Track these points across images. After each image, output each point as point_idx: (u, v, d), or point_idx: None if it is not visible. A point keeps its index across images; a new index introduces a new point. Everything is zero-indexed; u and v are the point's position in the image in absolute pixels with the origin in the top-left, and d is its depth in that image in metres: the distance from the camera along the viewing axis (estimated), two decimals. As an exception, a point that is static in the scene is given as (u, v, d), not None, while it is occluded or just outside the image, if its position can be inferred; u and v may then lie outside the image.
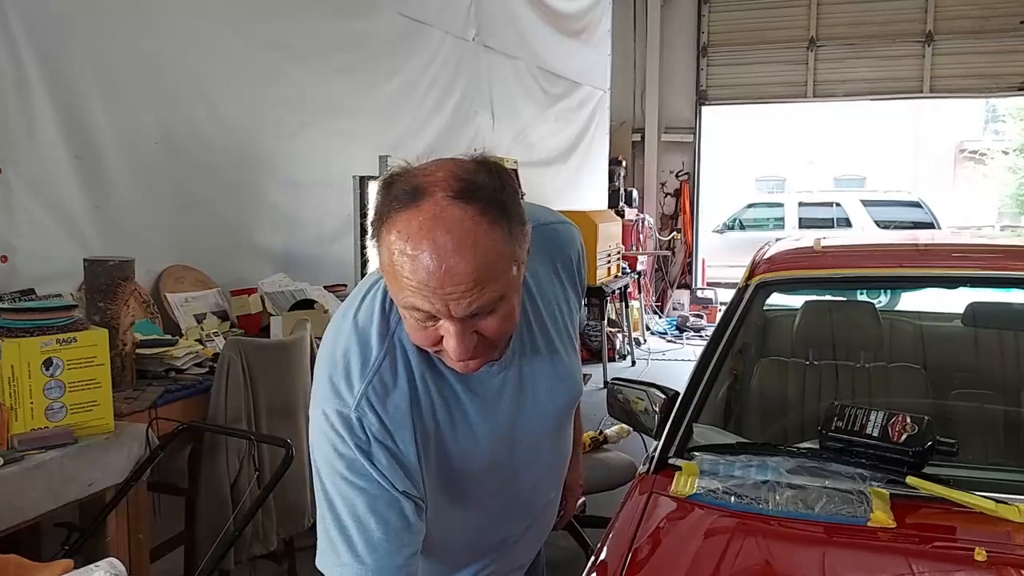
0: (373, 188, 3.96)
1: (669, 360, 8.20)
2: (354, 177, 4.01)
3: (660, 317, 10.08)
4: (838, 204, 13.69)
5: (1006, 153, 22.27)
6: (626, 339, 8.19)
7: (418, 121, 5.43)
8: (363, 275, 4.00)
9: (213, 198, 3.89)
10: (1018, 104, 19.92)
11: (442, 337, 1.13)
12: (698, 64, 10.50)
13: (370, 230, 1.14)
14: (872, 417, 1.79)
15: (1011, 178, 21.92)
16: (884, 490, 1.70)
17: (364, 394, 1.19)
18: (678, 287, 10.65)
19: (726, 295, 10.89)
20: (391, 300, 1.21)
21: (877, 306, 2.75)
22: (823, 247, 2.54)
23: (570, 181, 8.18)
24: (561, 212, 1.52)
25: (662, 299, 10.55)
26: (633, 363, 7.93)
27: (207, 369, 3.01)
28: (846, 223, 13.03)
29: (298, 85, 4.37)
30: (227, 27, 3.90)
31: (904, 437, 1.74)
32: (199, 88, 3.76)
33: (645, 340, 8.95)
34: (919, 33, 9.56)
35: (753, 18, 10.19)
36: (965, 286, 2.38)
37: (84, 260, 2.84)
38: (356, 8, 4.78)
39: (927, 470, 1.73)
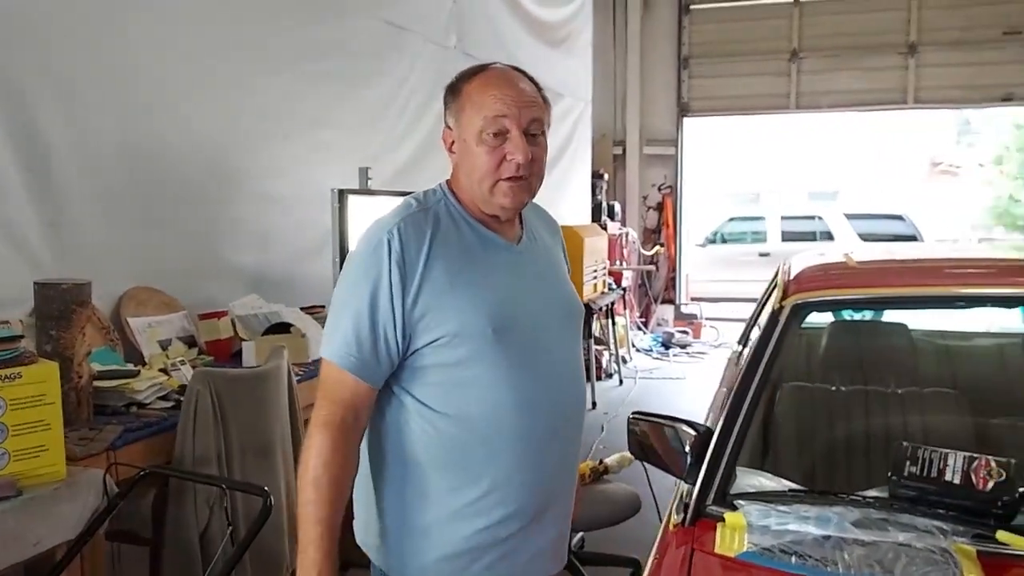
0: (353, 202, 3.67)
1: (656, 379, 7.96)
2: (333, 190, 3.70)
3: (645, 333, 9.82)
4: (820, 217, 13.56)
5: (982, 166, 22.33)
6: (612, 357, 7.93)
7: (398, 130, 5.15)
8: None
9: (179, 214, 3.58)
10: (993, 116, 19.97)
11: (505, 156, 1.51)
12: (679, 75, 10.33)
13: (446, 105, 1.59)
14: (950, 461, 1.54)
15: (986, 191, 21.95)
16: (970, 547, 1.45)
17: (397, 225, 1.51)
18: (662, 302, 10.43)
19: (711, 310, 10.72)
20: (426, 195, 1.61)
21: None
22: (858, 263, 2.30)
23: (552, 194, 7.91)
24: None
25: (646, 315, 10.31)
26: (621, 382, 7.67)
27: (173, 403, 2.71)
28: (828, 236, 12.88)
29: (270, 94, 4.08)
30: (195, 32, 3.60)
31: (991, 484, 1.50)
32: (164, 97, 3.46)
33: (631, 358, 8.70)
34: (902, 44, 9.47)
35: (735, 29, 10.04)
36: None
37: (35, 283, 2.54)
38: (331, 13, 4.51)
39: (1019, 522, 1.48)
